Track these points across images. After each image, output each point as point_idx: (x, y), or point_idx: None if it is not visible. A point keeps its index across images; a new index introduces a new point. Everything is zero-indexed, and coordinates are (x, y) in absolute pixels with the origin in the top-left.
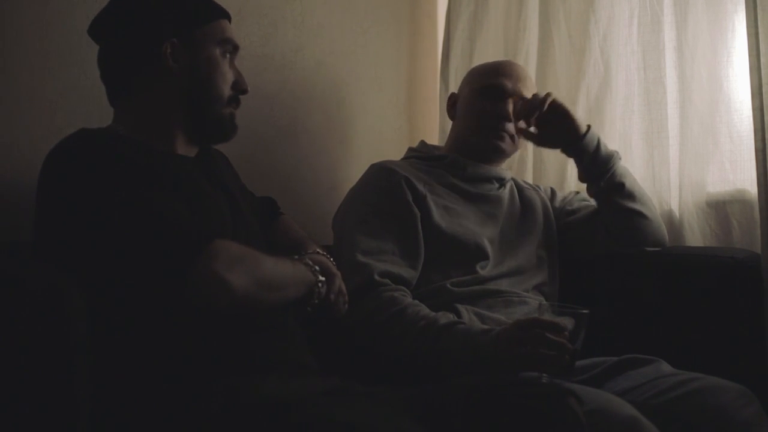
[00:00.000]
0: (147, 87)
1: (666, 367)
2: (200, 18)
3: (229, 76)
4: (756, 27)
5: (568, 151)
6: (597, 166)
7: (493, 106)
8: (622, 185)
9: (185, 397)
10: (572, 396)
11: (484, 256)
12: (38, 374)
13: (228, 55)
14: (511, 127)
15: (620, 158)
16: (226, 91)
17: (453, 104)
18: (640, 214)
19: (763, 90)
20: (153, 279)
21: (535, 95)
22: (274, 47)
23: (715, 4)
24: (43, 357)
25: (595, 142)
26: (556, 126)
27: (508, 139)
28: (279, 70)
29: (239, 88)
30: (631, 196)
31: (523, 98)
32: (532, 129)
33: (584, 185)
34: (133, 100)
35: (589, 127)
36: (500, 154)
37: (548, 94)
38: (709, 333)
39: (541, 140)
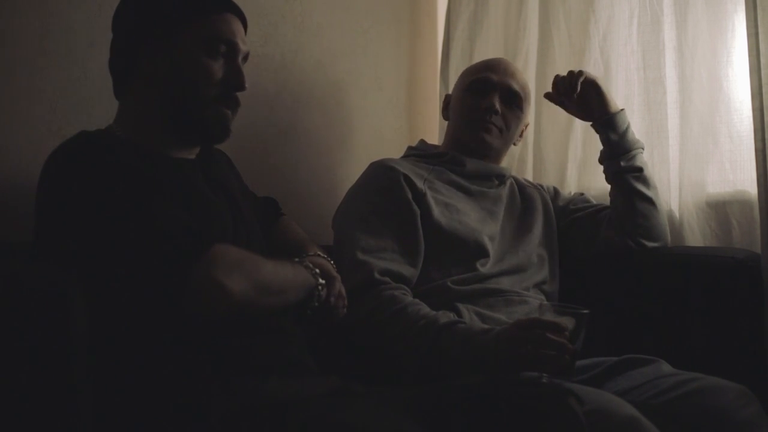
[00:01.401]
0: (136, 87)
1: (666, 367)
2: (184, 16)
3: (215, 75)
4: (756, 27)
5: (599, 125)
6: (622, 146)
7: (479, 100)
8: (640, 169)
9: (185, 397)
10: (572, 396)
11: (484, 254)
12: (39, 374)
13: (220, 53)
14: (497, 120)
15: (644, 151)
16: (209, 91)
17: (447, 105)
18: (651, 201)
19: (763, 90)
20: (152, 284)
21: (570, 72)
22: (274, 47)
23: (715, 4)
24: (43, 357)
25: (626, 123)
26: (590, 100)
27: (495, 131)
28: (279, 70)
29: (230, 84)
30: (646, 182)
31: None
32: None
33: (588, 185)
34: (128, 98)
35: (623, 109)
36: (488, 147)
37: (580, 72)
38: (709, 333)
39: (573, 109)
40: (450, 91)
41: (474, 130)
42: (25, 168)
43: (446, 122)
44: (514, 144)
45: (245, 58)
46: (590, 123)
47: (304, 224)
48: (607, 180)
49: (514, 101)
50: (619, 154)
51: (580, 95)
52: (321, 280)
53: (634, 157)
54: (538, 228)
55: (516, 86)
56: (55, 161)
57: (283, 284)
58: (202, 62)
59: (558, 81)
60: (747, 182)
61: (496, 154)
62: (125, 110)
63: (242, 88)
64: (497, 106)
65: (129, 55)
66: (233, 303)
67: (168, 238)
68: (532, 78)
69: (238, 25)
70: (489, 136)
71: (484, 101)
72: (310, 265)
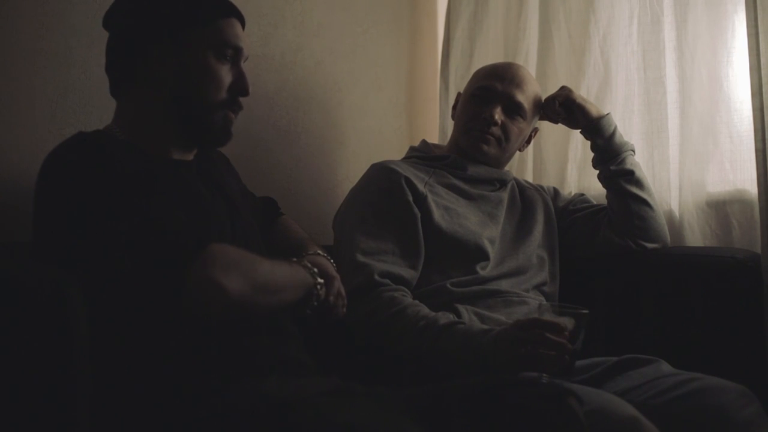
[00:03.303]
0: (139, 88)
1: (666, 367)
2: (194, 20)
3: (225, 80)
4: (756, 27)
5: (586, 132)
6: (610, 150)
7: (481, 109)
8: (631, 172)
9: (185, 397)
10: (572, 396)
11: (485, 257)
12: (38, 374)
13: (228, 59)
14: (496, 130)
15: (634, 153)
16: (219, 96)
17: (456, 105)
18: (646, 202)
19: (763, 90)
20: (149, 285)
21: (547, 98)
22: (274, 47)
23: (715, 4)
24: (43, 357)
25: (612, 128)
26: (573, 112)
27: (494, 141)
28: (279, 70)
29: (237, 90)
30: (639, 183)
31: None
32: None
33: (588, 185)
34: (128, 98)
35: (608, 114)
36: (485, 157)
37: (554, 100)
38: (709, 333)
39: (561, 122)
40: (450, 91)
41: (472, 139)
42: (25, 168)
43: (449, 122)
44: (520, 150)
45: (245, 60)
46: (579, 130)
47: (304, 224)
48: (602, 184)
49: (517, 112)
50: (608, 159)
51: (564, 108)
52: (319, 279)
53: (623, 160)
54: (538, 230)
55: (520, 97)
56: (52, 162)
57: (281, 283)
58: (212, 66)
59: (543, 107)
60: (747, 182)
61: (496, 162)
62: (124, 110)
63: (247, 93)
64: (497, 117)
65: (134, 55)
66: (230, 302)
67: (164, 238)
68: (533, 79)
69: (241, 30)
70: (486, 146)
71: (485, 111)
72: (309, 264)
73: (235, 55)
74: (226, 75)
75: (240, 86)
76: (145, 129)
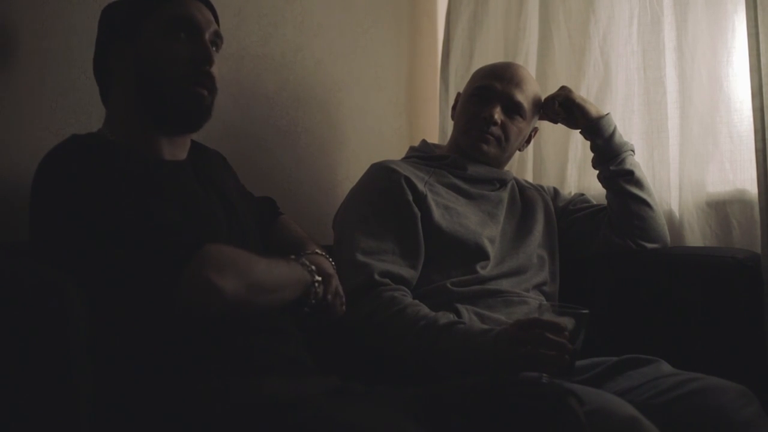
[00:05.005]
0: (115, 91)
1: (666, 367)
2: (140, 11)
3: (179, 54)
4: (756, 27)
5: (585, 132)
6: (609, 150)
7: (479, 109)
8: (631, 172)
9: (185, 397)
10: (572, 396)
11: (485, 256)
12: (38, 374)
13: (182, 35)
14: (496, 130)
15: (634, 153)
16: (175, 69)
17: (456, 105)
18: (645, 203)
19: (763, 90)
20: (144, 285)
21: (546, 98)
22: (274, 47)
23: (715, 4)
24: (43, 357)
25: (612, 128)
26: (573, 112)
27: (493, 141)
28: (279, 70)
29: (197, 60)
30: (638, 184)
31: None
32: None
33: (588, 185)
34: (111, 104)
35: (608, 114)
36: (485, 157)
37: (553, 100)
38: (709, 333)
39: (561, 122)
40: (450, 91)
41: (472, 138)
42: (25, 168)
43: (449, 122)
44: (520, 150)
45: (218, 37)
46: (579, 131)
47: (304, 224)
48: (602, 184)
49: (517, 111)
50: (607, 159)
51: (564, 108)
52: (317, 277)
53: (623, 160)
54: (538, 229)
55: (519, 97)
56: (46, 165)
57: (278, 282)
58: (163, 45)
59: (542, 106)
60: (747, 182)
61: (496, 162)
62: (110, 115)
63: (209, 62)
64: (496, 116)
65: (103, 62)
66: (226, 302)
67: (158, 239)
68: (533, 79)
69: (197, 7)
70: (486, 146)
71: (485, 110)
72: (306, 263)
73: (191, 31)
74: (181, 50)
75: (199, 56)
76: (131, 130)
